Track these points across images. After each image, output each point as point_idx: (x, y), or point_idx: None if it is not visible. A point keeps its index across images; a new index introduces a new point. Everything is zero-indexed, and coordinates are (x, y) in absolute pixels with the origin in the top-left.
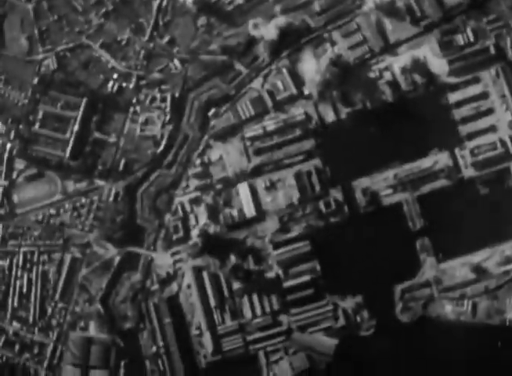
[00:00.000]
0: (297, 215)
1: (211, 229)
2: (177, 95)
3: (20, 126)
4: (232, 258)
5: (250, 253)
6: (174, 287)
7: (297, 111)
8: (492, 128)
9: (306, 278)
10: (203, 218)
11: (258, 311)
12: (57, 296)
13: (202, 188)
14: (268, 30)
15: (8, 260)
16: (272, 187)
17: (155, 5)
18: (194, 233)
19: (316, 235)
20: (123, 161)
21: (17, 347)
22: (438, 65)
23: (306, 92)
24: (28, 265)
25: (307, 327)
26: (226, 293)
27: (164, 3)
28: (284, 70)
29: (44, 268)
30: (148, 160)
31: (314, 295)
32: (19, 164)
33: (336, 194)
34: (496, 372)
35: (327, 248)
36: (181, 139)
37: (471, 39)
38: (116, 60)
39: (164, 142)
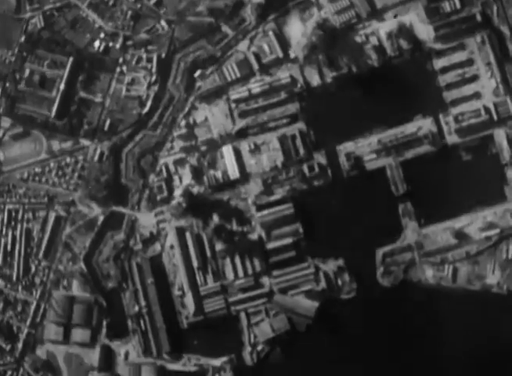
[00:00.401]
0: (280, 178)
1: (195, 190)
2: (163, 56)
3: (7, 84)
4: (216, 219)
5: (233, 214)
6: (157, 247)
7: (283, 74)
8: (477, 95)
9: (288, 240)
10: (188, 180)
11: (240, 272)
12: (41, 254)
13: (187, 149)
14: None
15: None
16: (256, 150)
17: None
18: (177, 192)
19: (299, 198)
20: (108, 121)
21: (1, 305)
22: (424, 31)
23: (292, 56)
24: (13, 223)
25: (288, 290)
26: (209, 254)
27: None
28: (271, 33)
29: (28, 225)
30: (133, 121)
31: (296, 258)
32: (5, 123)
33: (320, 158)
34: (475, 335)
35: (310, 211)
36: (166, 100)
37: (458, 6)
38: (103, 20)
39: (149, 103)
